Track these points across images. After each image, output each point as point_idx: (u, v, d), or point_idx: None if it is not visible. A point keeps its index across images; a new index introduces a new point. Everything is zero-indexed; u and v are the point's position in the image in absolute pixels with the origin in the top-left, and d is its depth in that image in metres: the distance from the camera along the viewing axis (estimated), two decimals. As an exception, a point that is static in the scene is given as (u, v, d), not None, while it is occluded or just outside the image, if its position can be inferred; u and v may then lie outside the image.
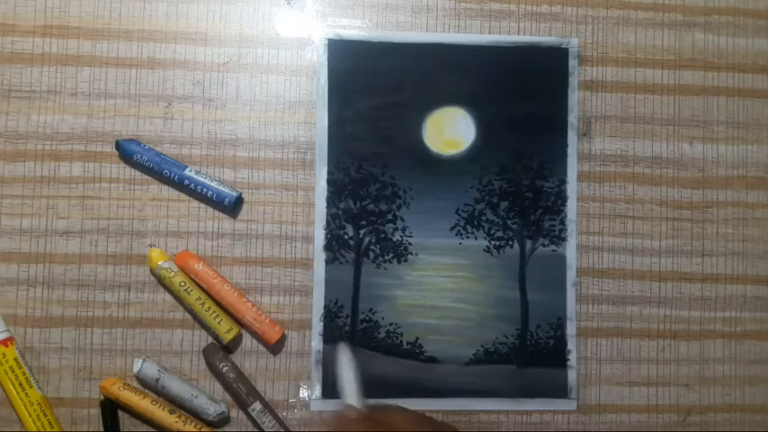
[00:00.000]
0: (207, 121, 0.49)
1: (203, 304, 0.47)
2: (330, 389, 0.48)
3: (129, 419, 0.47)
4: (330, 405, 0.48)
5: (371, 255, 0.49)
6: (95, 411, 0.47)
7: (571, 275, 0.50)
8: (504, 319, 0.50)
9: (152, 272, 0.47)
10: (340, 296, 0.49)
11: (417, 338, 0.49)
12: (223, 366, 0.47)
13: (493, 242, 0.50)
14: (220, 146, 0.49)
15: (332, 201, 0.49)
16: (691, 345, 0.51)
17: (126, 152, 0.48)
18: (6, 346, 0.46)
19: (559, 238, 0.50)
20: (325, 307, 0.49)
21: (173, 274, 0.47)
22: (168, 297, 0.48)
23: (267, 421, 0.47)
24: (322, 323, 0.49)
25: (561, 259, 0.50)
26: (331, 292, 0.49)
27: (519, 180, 0.50)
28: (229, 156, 0.49)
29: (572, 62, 0.51)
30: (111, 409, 0.46)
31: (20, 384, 0.46)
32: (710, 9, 0.52)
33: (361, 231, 0.49)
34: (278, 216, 0.49)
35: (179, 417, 0.46)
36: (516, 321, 0.50)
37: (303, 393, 0.49)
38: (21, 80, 0.48)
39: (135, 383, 0.47)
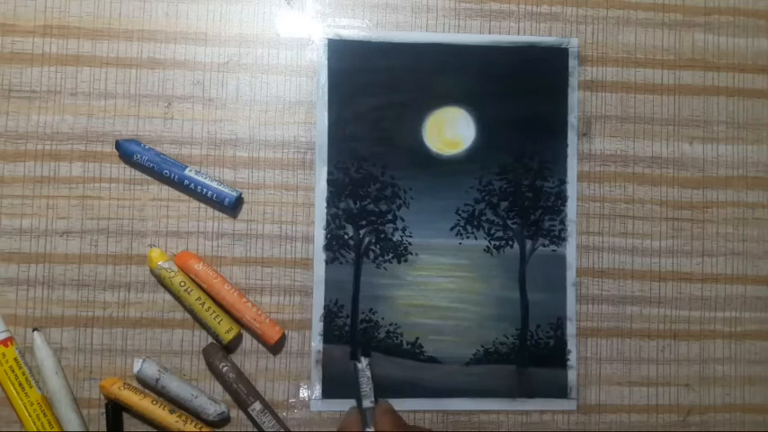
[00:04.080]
0: (207, 121, 0.49)
1: (203, 304, 0.47)
2: (330, 389, 0.48)
3: (130, 419, 0.47)
4: (330, 405, 0.48)
5: (371, 255, 0.49)
6: (95, 411, 0.47)
7: (571, 275, 0.50)
8: (504, 319, 0.50)
9: (152, 272, 0.47)
10: (340, 296, 0.49)
11: (417, 338, 0.49)
12: (223, 366, 0.47)
13: (493, 242, 0.50)
14: (220, 146, 0.49)
15: (332, 201, 0.49)
16: (691, 345, 0.51)
17: (126, 152, 0.48)
18: (6, 346, 0.46)
19: (559, 238, 0.50)
20: (325, 307, 0.49)
21: (173, 274, 0.47)
22: (168, 297, 0.48)
23: (267, 421, 0.47)
24: (322, 323, 0.49)
25: (561, 259, 0.50)
26: (331, 292, 0.49)
27: (519, 180, 0.50)
28: (229, 156, 0.49)
29: (572, 62, 0.51)
30: (115, 412, 0.46)
31: (20, 384, 0.46)
32: (710, 9, 0.52)
33: (361, 231, 0.49)
34: (278, 216, 0.49)
35: (179, 417, 0.46)
36: (516, 321, 0.50)
37: (303, 393, 0.49)
38: (21, 80, 0.48)
39: (135, 383, 0.47)
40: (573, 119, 0.51)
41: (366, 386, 0.47)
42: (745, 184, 0.52)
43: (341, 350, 0.49)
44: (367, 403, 0.46)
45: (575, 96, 0.51)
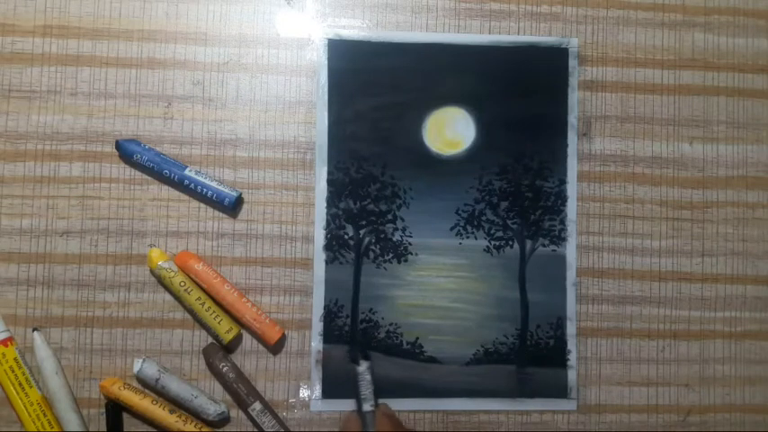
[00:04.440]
0: (207, 121, 0.49)
1: (203, 304, 0.47)
2: (330, 389, 0.48)
3: (130, 419, 0.47)
4: (330, 405, 0.48)
5: (371, 255, 0.49)
6: (95, 411, 0.47)
7: (571, 275, 0.50)
8: (504, 319, 0.50)
9: (152, 272, 0.47)
10: (340, 296, 0.49)
11: (417, 338, 0.49)
12: (223, 366, 0.47)
13: (493, 242, 0.50)
14: (220, 146, 0.49)
15: (332, 201, 0.49)
16: (691, 345, 0.51)
17: (126, 152, 0.48)
18: (6, 346, 0.46)
19: (559, 238, 0.50)
20: (325, 307, 0.49)
21: (173, 274, 0.47)
22: (168, 297, 0.48)
23: (267, 421, 0.47)
24: (322, 323, 0.49)
25: (561, 259, 0.50)
26: (331, 292, 0.49)
27: (519, 180, 0.50)
28: (229, 156, 0.49)
29: (572, 62, 0.51)
30: (115, 412, 0.46)
31: (20, 384, 0.46)
32: (710, 9, 0.52)
33: (361, 231, 0.49)
34: (278, 216, 0.49)
35: (179, 417, 0.46)
36: (516, 321, 0.50)
37: (303, 393, 0.49)
38: (21, 80, 0.48)
39: (135, 383, 0.47)
40: (573, 119, 0.51)
41: (366, 390, 0.46)
42: (745, 184, 0.52)
43: (341, 350, 0.49)
44: (367, 407, 0.46)
45: (575, 96, 0.51)
